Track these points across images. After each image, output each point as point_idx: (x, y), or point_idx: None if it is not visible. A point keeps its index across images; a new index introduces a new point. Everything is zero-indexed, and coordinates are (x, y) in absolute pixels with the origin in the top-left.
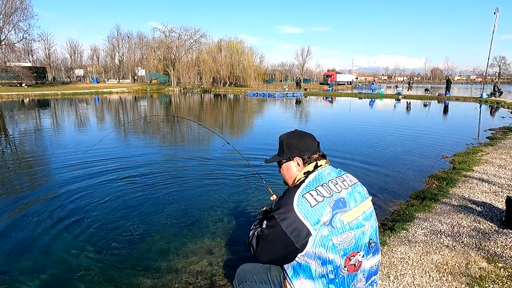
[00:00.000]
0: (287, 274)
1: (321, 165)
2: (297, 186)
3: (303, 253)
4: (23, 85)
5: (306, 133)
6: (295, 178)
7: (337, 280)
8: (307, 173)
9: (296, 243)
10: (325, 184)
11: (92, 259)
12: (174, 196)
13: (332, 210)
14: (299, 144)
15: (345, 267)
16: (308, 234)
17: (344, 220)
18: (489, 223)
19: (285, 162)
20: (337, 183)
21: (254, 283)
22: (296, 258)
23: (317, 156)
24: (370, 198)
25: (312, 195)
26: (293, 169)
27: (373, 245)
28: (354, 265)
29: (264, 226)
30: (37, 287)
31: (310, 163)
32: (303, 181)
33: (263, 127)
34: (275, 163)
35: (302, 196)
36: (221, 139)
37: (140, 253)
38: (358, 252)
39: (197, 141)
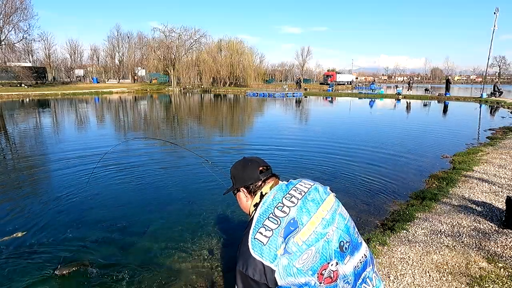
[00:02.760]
0: None
1: (266, 193)
2: (249, 226)
3: (279, 285)
4: (23, 85)
5: (249, 160)
6: (249, 210)
7: None
8: (256, 205)
9: (269, 283)
10: (271, 215)
11: (92, 259)
12: (173, 197)
13: (284, 238)
14: (241, 174)
15: (320, 283)
16: (272, 271)
17: (299, 241)
18: (489, 223)
19: (236, 193)
20: (283, 205)
21: None
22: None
23: (260, 183)
24: (331, 196)
25: (261, 233)
26: (243, 200)
27: (347, 246)
28: (330, 277)
29: (237, 284)
30: (35, 285)
31: (255, 192)
32: (253, 218)
33: (264, 129)
34: None
35: (254, 238)
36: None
37: (139, 253)
38: (329, 262)
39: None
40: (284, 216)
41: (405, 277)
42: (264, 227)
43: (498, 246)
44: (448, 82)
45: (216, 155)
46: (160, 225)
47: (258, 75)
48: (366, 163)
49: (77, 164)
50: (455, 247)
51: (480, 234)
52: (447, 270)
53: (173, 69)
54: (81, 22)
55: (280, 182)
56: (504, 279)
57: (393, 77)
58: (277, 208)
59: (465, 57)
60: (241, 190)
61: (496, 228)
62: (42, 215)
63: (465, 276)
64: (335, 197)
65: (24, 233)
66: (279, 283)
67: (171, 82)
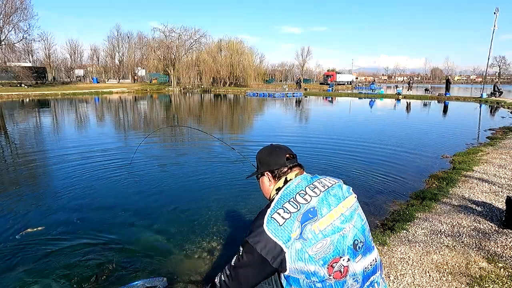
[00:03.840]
0: (282, 284)
1: (290, 179)
2: (268, 206)
3: (287, 272)
4: (23, 85)
5: (277, 147)
6: (270, 194)
7: None
8: (278, 190)
9: (273, 264)
10: (292, 199)
11: (91, 260)
12: (174, 195)
13: (301, 224)
14: (268, 158)
15: (330, 275)
16: (282, 252)
17: (316, 229)
18: (489, 223)
19: (260, 177)
20: (306, 194)
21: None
22: (286, 273)
23: (286, 169)
24: (353, 196)
25: (279, 214)
26: (266, 184)
27: (360, 246)
28: (340, 271)
29: (240, 253)
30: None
31: (280, 177)
32: (273, 199)
33: (265, 128)
34: None
35: (271, 217)
36: (227, 145)
37: (139, 253)
38: (341, 257)
39: (199, 144)
40: (305, 203)
41: (405, 277)
42: (283, 209)
43: (498, 246)
44: (448, 82)
45: (220, 151)
46: (159, 225)
47: (258, 75)
48: (366, 163)
49: (87, 159)
50: (455, 247)
51: (480, 234)
52: (447, 270)
53: (173, 69)
54: (81, 22)
55: (305, 173)
56: (504, 279)
57: (393, 77)
58: (299, 194)
59: (465, 57)
60: (265, 174)
61: (496, 228)
62: (58, 208)
63: (465, 276)
64: (356, 198)
65: (43, 227)
66: (288, 266)
67: (171, 82)
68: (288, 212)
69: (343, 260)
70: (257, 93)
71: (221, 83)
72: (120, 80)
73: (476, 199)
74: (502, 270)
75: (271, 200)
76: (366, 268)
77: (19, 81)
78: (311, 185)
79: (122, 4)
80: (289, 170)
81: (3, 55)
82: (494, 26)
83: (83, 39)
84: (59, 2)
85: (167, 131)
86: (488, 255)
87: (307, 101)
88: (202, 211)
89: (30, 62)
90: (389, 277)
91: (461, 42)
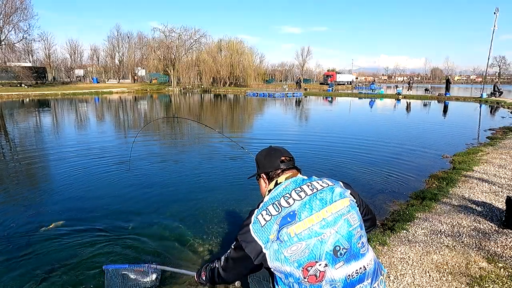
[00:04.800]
0: (273, 278)
1: (280, 182)
2: (258, 206)
3: (269, 267)
4: (23, 85)
5: (274, 149)
6: (264, 196)
7: None
8: (269, 191)
9: (255, 261)
10: (276, 202)
11: (91, 260)
12: (174, 192)
13: (279, 227)
14: (264, 161)
15: (304, 278)
16: (262, 251)
17: (291, 232)
18: (489, 223)
19: (258, 179)
20: (290, 197)
21: (259, 278)
22: (271, 270)
23: (279, 172)
24: (344, 200)
25: (262, 215)
26: (262, 185)
27: (342, 252)
28: (315, 275)
29: (232, 247)
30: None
31: (273, 179)
32: (262, 200)
33: (265, 128)
34: None
35: (256, 217)
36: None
37: (138, 251)
38: (317, 262)
39: (199, 139)
40: (287, 207)
41: (405, 277)
42: (266, 211)
43: (498, 246)
44: (448, 82)
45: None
46: (160, 224)
47: (258, 75)
48: (366, 163)
49: (87, 159)
50: (455, 247)
51: (480, 234)
52: (447, 270)
53: (173, 69)
54: (81, 22)
55: (299, 175)
56: (504, 279)
57: (393, 77)
58: (283, 197)
59: (465, 57)
60: (262, 176)
61: (496, 228)
62: (72, 203)
63: (465, 276)
64: (352, 203)
65: (62, 222)
66: (270, 265)
67: (171, 82)
68: (270, 214)
69: (319, 265)
70: (257, 93)
71: (221, 83)
72: (120, 80)
73: (476, 199)
74: (502, 270)
75: (261, 201)
76: (349, 276)
77: (19, 81)
78: (298, 188)
79: (122, 4)
80: (281, 173)
81: (3, 55)
82: (494, 26)
83: (83, 39)
84: (59, 2)
85: (168, 128)
86: (488, 255)
87: (307, 101)
88: (204, 206)
89: (30, 62)
90: (389, 277)
91: (461, 42)
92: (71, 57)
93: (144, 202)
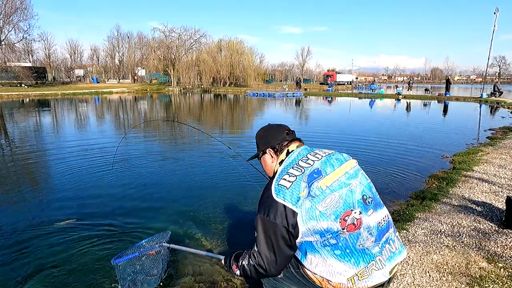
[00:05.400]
0: (298, 260)
1: (292, 150)
2: (272, 178)
3: (300, 235)
4: (23, 85)
5: (275, 124)
6: (274, 170)
7: (340, 244)
8: (281, 162)
9: (289, 227)
10: (295, 165)
11: (91, 259)
12: (174, 194)
13: (307, 184)
14: (267, 136)
15: (343, 229)
16: (294, 214)
17: (323, 186)
18: (489, 223)
19: (261, 156)
20: (308, 159)
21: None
22: (299, 238)
23: (286, 143)
24: (353, 160)
25: (285, 179)
26: (268, 161)
27: (370, 201)
28: (354, 224)
29: (258, 233)
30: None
31: (282, 150)
32: (277, 171)
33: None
34: None
35: (278, 185)
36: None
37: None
38: (352, 210)
39: (197, 143)
40: (308, 166)
41: (405, 277)
42: (288, 174)
43: (498, 246)
44: (448, 82)
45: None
46: (161, 223)
47: (258, 75)
48: (365, 163)
49: (87, 157)
50: (455, 247)
51: (480, 234)
52: (447, 270)
53: (173, 69)
54: (81, 22)
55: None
56: (504, 279)
57: (393, 77)
58: (301, 160)
59: (465, 57)
60: (267, 152)
61: (496, 228)
62: (81, 201)
63: (465, 276)
64: (357, 163)
65: (74, 219)
66: (301, 229)
67: (171, 82)
68: (293, 175)
69: (355, 213)
70: (257, 93)
71: (221, 83)
72: (120, 80)
73: (476, 199)
74: (502, 270)
75: (275, 172)
76: (379, 223)
77: (19, 81)
78: (312, 152)
79: (122, 4)
80: (289, 143)
81: (3, 55)
82: (494, 26)
83: (83, 39)
84: (59, 2)
85: (167, 128)
86: (488, 255)
87: (307, 101)
88: (207, 203)
89: (30, 62)
90: None
91: (461, 42)
92: (71, 57)
93: (145, 200)
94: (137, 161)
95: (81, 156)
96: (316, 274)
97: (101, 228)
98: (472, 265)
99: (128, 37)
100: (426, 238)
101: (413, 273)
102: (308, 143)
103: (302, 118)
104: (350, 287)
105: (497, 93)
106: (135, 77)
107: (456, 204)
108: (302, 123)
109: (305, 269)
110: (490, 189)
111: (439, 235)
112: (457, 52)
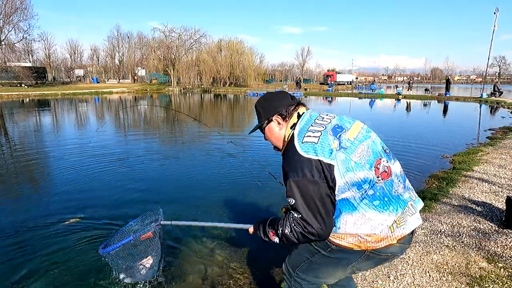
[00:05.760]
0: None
1: (303, 113)
2: (291, 141)
3: (336, 191)
4: (23, 85)
5: (276, 91)
6: (284, 136)
7: (378, 194)
8: (293, 126)
9: (329, 182)
10: (313, 124)
11: (92, 259)
12: (175, 188)
13: (335, 136)
14: (272, 103)
15: (378, 177)
16: (331, 167)
17: (350, 137)
18: (489, 223)
19: (266, 126)
20: (323, 119)
21: (307, 261)
22: (336, 195)
23: (293, 107)
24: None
25: (310, 136)
26: (275, 129)
27: (388, 151)
28: (385, 171)
29: (296, 198)
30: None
31: (291, 116)
32: (292, 135)
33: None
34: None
35: (302, 143)
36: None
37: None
38: (381, 158)
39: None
40: (327, 123)
41: (405, 277)
42: (311, 132)
43: (498, 246)
44: (448, 82)
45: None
46: None
47: (258, 75)
48: None
49: (87, 156)
50: (455, 247)
51: (480, 234)
52: (447, 270)
53: (173, 69)
54: (81, 22)
55: None
56: (504, 279)
57: (393, 77)
58: (317, 119)
59: (465, 57)
60: (273, 119)
61: (496, 228)
62: (84, 200)
63: (465, 276)
64: None
65: (77, 219)
66: (338, 183)
67: (171, 82)
68: (317, 131)
69: (383, 161)
70: (257, 93)
71: (221, 83)
72: (120, 80)
73: (476, 199)
74: (502, 270)
75: (291, 136)
76: (400, 171)
77: (19, 81)
78: (323, 114)
79: (122, 4)
80: (297, 107)
81: (3, 55)
82: (494, 26)
83: (83, 39)
84: (59, 2)
85: (167, 126)
86: (488, 255)
87: (307, 101)
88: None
89: (30, 62)
90: (389, 277)
91: (461, 42)
92: (71, 57)
93: (146, 199)
94: (137, 160)
95: (81, 156)
96: (350, 237)
97: (101, 227)
98: (472, 265)
99: (128, 37)
100: (426, 238)
101: (413, 273)
102: None
103: None
104: (389, 236)
105: (497, 93)
106: (135, 77)
107: (456, 204)
108: None
109: (336, 239)
110: (490, 189)
111: (439, 235)
112: (457, 52)
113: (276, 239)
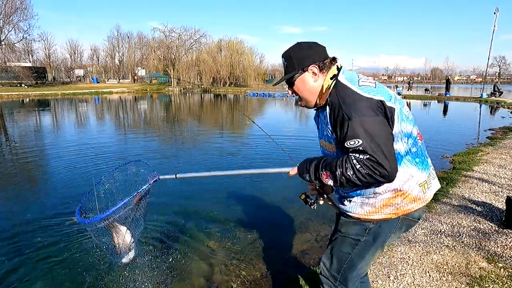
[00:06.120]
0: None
1: (341, 66)
2: (344, 88)
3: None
4: (23, 85)
5: (312, 42)
6: (322, 87)
7: (418, 152)
8: (333, 77)
9: (392, 123)
10: (359, 76)
11: (91, 258)
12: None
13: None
14: (309, 52)
15: (417, 136)
16: (392, 109)
17: (396, 96)
18: (489, 223)
19: (297, 78)
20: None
21: (349, 257)
22: None
23: (330, 60)
24: None
25: (365, 81)
26: (309, 81)
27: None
28: (419, 133)
29: (362, 137)
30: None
31: (329, 68)
32: (338, 82)
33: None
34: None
35: (360, 86)
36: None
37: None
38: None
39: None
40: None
41: (405, 277)
42: (363, 80)
43: (498, 246)
44: (448, 82)
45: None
46: (166, 222)
47: (258, 75)
48: None
49: (94, 156)
50: (455, 247)
51: (480, 234)
52: (447, 270)
53: (173, 69)
54: (81, 22)
55: None
56: (504, 279)
57: (393, 77)
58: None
59: (465, 57)
60: (309, 70)
61: (496, 228)
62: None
63: (465, 276)
64: None
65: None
66: (394, 130)
67: (171, 82)
68: (370, 81)
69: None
70: (257, 93)
71: (221, 83)
72: (120, 80)
73: (476, 199)
74: (502, 270)
75: (335, 84)
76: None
77: (19, 81)
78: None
79: (122, 4)
80: (333, 61)
81: (3, 55)
82: (494, 26)
83: (83, 39)
84: (59, 2)
85: (168, 126)
86: (488, 255)
87: None
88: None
89: (30, 62)
90: (389, 277)
91: (461, 42)
92: (71, 57)
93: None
94: (135, 159)
95: (81, 156)
96: (386, 208)
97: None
98: (472, 265)
99: (128, 37)
100: (426, 238)
101: (413, 273)
102: (309, 143)
103: (303, 118)
104: (421, 198)
105: (497, 93)
106: (135, 77)
107: (456, 204)
108: (302, 123)
109: (373, 214)
110: (490, 189)
111: (439, 235)
112: (457, 52)
113: (330, 182)
